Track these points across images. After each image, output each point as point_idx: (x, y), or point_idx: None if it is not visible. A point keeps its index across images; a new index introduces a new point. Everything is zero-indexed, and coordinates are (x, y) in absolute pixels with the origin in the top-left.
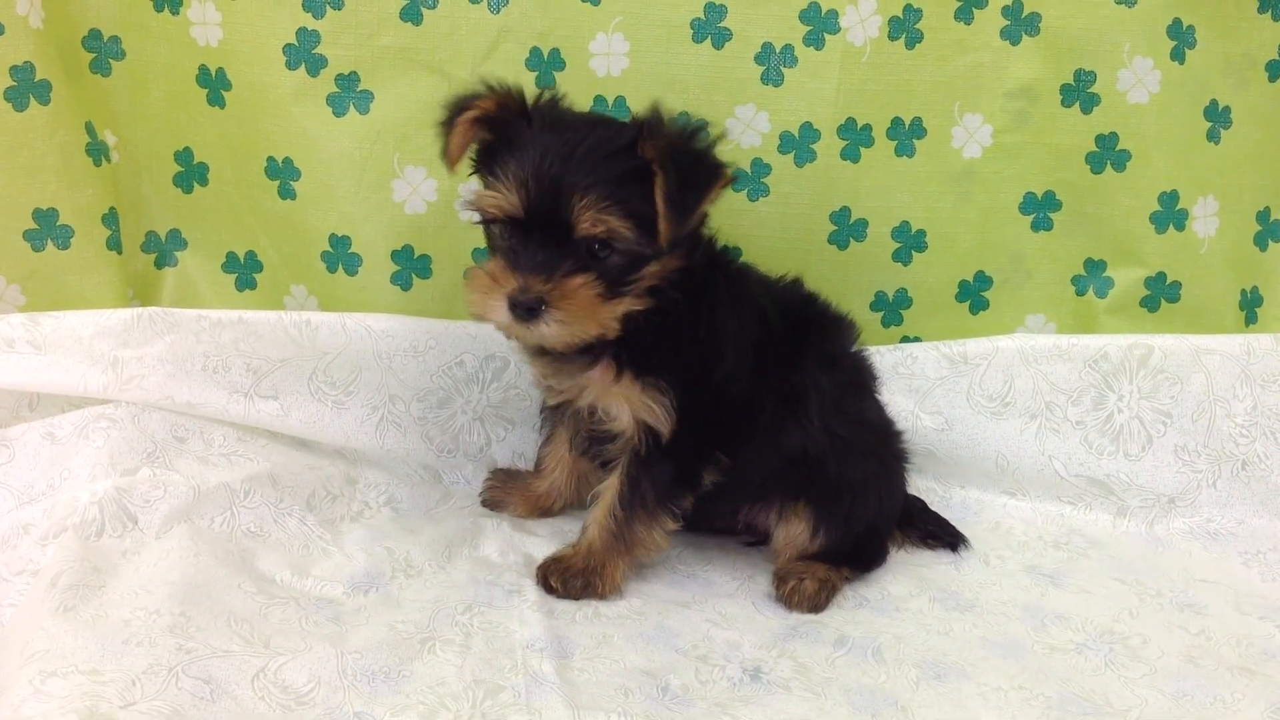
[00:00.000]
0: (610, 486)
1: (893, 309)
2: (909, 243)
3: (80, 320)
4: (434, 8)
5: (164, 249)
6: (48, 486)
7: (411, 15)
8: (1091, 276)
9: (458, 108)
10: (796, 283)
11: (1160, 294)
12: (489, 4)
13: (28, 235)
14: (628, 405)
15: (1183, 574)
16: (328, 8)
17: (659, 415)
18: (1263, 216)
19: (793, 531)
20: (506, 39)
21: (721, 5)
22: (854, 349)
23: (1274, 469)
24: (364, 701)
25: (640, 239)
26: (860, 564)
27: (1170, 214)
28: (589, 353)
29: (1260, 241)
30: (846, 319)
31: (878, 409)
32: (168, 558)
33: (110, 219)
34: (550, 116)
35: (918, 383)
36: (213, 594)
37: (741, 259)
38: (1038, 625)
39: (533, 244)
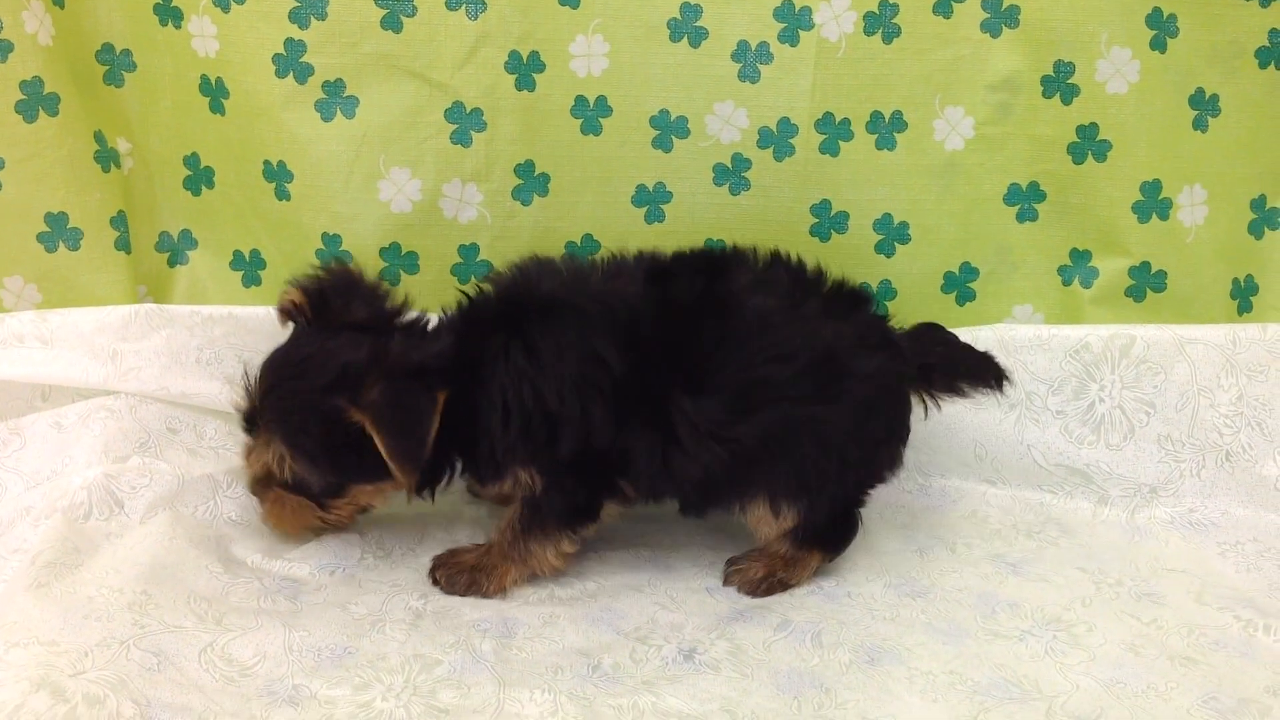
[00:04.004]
0: (514, 506)
1: (877, 301)
2: (891, 235)
3: (82, 316)
4: (413, 15)
5: (176, 248)
6: (52, 472)
7: (392, 23)
8: (1077, 267)
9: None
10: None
11: (1145, 283)
12: (467, 10)
13: (41, 237)
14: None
15: (1151, 564)
16: (312, 18)
17: (525, 482)
18: (1258, 204)
19: (757, 514)
20: (485, 43)
21: (697, 5)
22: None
23: (1259, 459)
24: (305, 675)
25: (335, 475)
26: (833, 545)
27: (1153, 203)
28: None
29: (1255, 229)
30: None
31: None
32: (144, 541)
33: (118, 221)
34: (306, 323)
35: None
36: (179, 575)
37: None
38: (987, 612)
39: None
